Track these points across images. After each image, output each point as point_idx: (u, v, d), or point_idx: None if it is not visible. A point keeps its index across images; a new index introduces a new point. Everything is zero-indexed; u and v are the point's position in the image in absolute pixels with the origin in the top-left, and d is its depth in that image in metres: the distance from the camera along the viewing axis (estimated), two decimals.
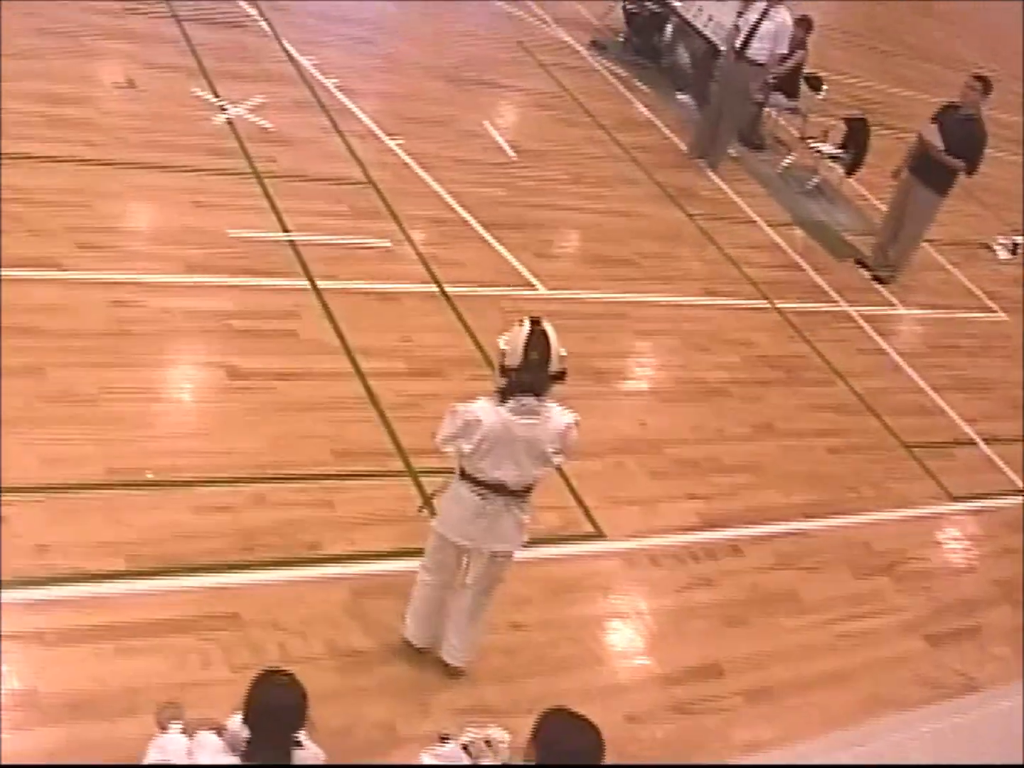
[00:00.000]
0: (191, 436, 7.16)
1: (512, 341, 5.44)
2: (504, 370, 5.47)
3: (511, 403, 5.48)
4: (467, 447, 5.54)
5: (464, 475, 5.71)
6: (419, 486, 7.32)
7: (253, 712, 4.14)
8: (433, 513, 6.16)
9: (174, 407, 7.49)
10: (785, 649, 7.27)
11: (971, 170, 12.36)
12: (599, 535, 7.57)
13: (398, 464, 7.51)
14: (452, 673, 6.22)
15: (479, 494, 5.68)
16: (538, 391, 5.50)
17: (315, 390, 7.88)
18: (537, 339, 5.42)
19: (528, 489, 5.78)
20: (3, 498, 6.19)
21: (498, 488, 5.66)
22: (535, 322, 5.47)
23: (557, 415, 5.62)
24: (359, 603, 6.40)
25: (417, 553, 6.45)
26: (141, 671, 5.59)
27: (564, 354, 5.51)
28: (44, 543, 6.05)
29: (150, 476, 6.69)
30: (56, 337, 7.48)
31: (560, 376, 5.53)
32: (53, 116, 9.94)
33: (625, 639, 6.97)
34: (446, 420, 5.63)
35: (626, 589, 7.31)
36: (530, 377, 5.44)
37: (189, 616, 5.96)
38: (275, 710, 4.14)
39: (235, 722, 4.26)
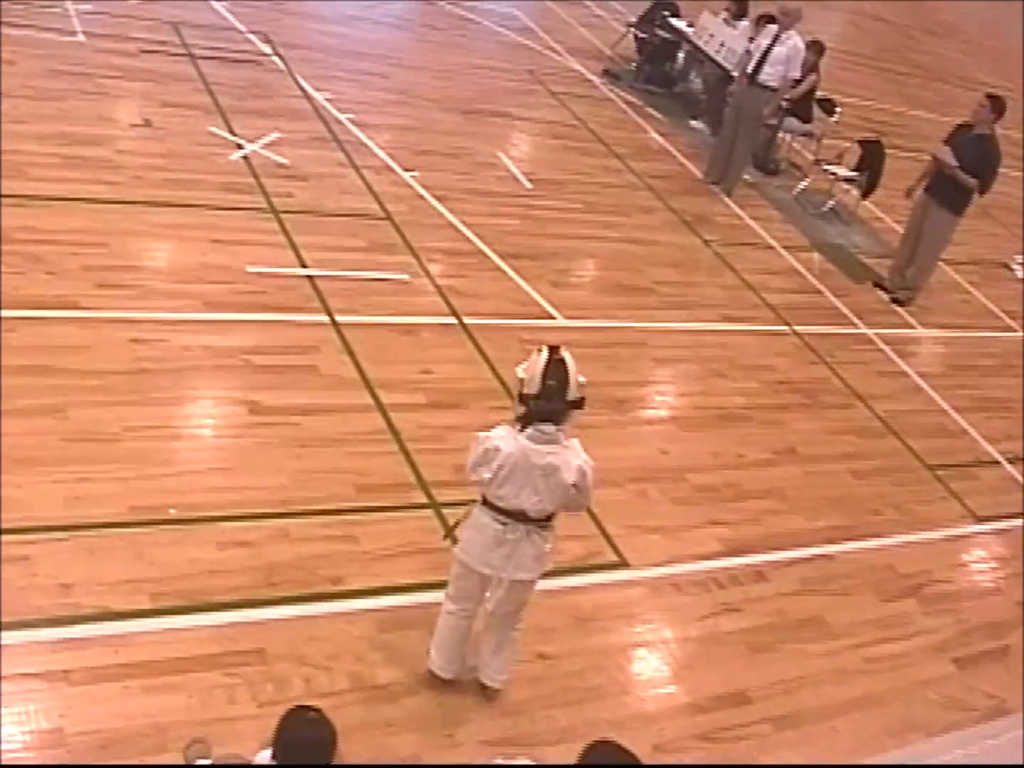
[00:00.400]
0: (213, 472, 7.17)
1: (530, 369, 5.47)
2: (523, 398, 5.50)
3: (530, 431, 5.51)
4: (487, 474, 5.58)
5: (485, 502, 5.73)
6: (441, 518, 7.33)
7: (283, 747, 4.12)
8: (455, 542, 6.15)
9: (195, 444, 7.50)
10: (812, 674, 7.22)
11: (984, 189, 12.34)
12: (623, 564, 7.55)
13: (420, 497, 7.51)
14: (490, 695, 6.25)
15: (500, 522, 5.70)
16: (556, 419, 5.52)
17: (336, 424, 7.89)
18: (555, 367, 5.45)
19: (549, 517, 5.78)
20: (26, 537, 6.21)
21: (518, 516, 5.67)
22: (553, 350, 5.50)
23: (576, 448, 5.64)
24: (383, 636, 6.38)
25: (440, 585, 6.47)
26: (168, 708, 5.58)
27: (583, 382, 5.52)
28: (68, 582, 6.05)
29: (173, 513, 6.70)
30: (77, 376, 7.51)
31: (579, 404, 5.54)
32: (70, 156, 10.02)
33: (651, 668, 6.93)
34: (472, 448, 5.67)
35: (651, 617, 7.27)
36: (548, 405, 5.46)
37: (214, 652, 5.95)
38: (305, 745, 4.12)
39: (263, 757, 4.25)
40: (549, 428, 5.51)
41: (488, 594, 6.00)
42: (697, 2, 18.33)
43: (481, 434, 5.66)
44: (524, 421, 5.54)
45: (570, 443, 5.62)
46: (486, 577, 5.90)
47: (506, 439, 5.55)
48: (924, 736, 7.07)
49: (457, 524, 6.07)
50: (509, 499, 5.62)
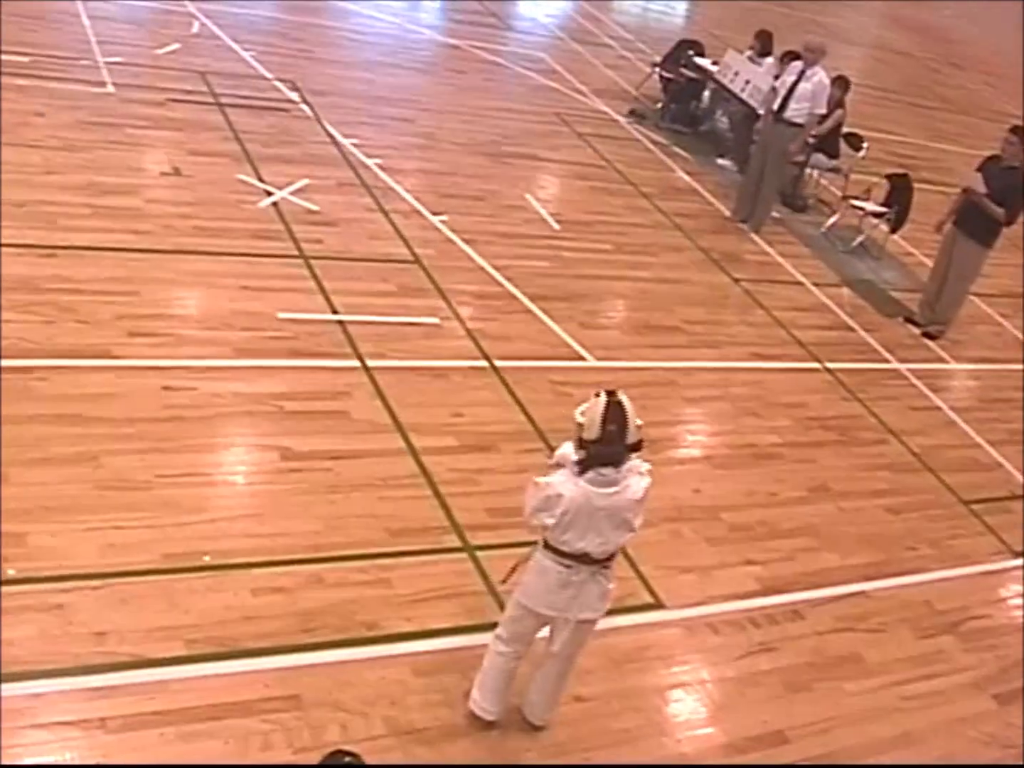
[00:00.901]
0: (246, 519, 7.18)
1: (589, 414, 5.48)
2: (582, 443, 5.51)
3: (591, 475, 5.52)
4: (549, 520, 5.58)
5: (547, 546, 5.74)
6: (475, 561, 7.32)
7: None
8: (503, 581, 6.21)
9: (228, 490, 7.52)
10: (850, 713, 7.16)
11: (1010, 219, 12.30)
12: (658, 604, 7.51)
13: (453, 540, 7.50)
14: (535, 728, 6.28)
15: (564, 564, 5.72)
16: (616, 462, 5.54)
17: (368, 469, 7.90)
18: (614, 411, 5.47)
19: (611, 557, 5.81)
20: (61, 586, 6.23)
21: (582, 558, 5.69)
22: (611, 394, 5.52)
23: (635, 482, 5.65)
24: (419, 681, 6.36)
25: (475, 628, 6.56)
26: (204, 755, 5.57)
27: (640, 424, 5.57)
28: (102, 630, 6.07)
29: (207, 560, 6.71)
30: (108, 424, 7.55)
31: (637, 446, 5.58)
32: (100, 206, 10.12)
33: (687, 709, 6.89)
34: (530, 492, 5.69)
35: (687, 658, 7.23)
36: (608, 449, 5.48)
37: (249, 699, 5.94)
38: None
39: None
40: (609, 472, 5.53)
41: (547, 634, 6.03)
42: (722, 41, 18.40)
43: (541, 480, 5.66)
44: (584, 466, 5.54)
45: (628, 481, 5.61)
46: (544, 619, 5.94)
47: (567, 484, 5.54)
48: None
49: (516, 567, 6.08)
50: (573, 543, 5.63)
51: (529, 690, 6.28)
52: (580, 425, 5.49)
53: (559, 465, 5.71)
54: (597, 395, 5.54)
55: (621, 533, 5.71)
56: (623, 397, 5.53)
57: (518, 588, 5.98)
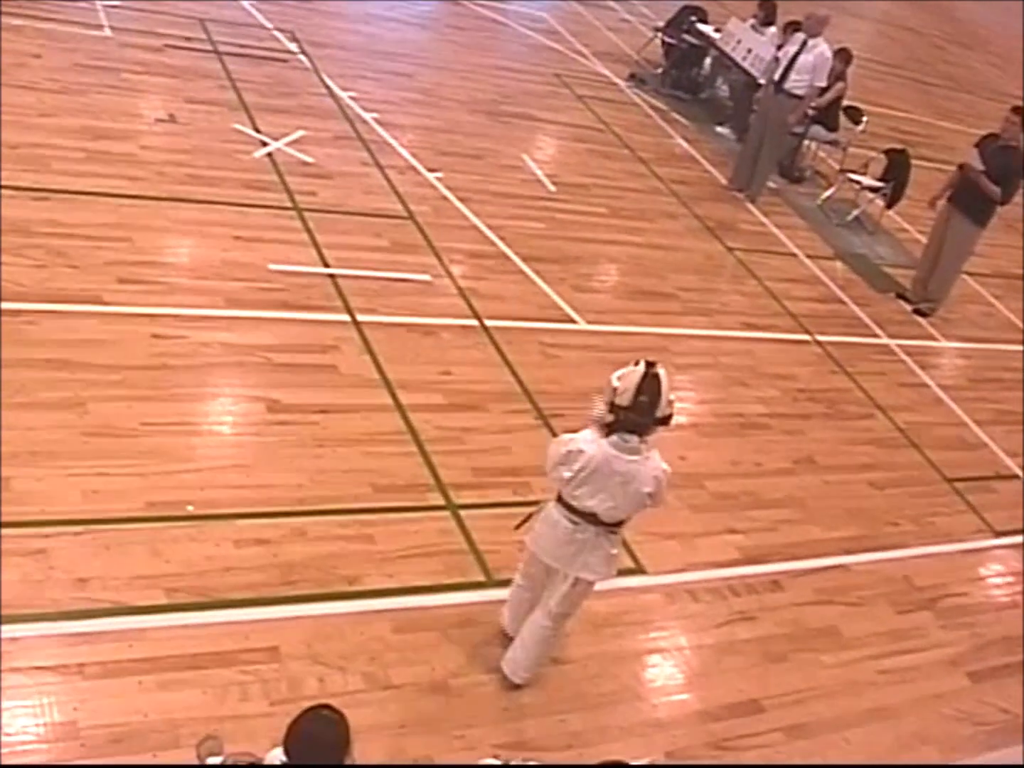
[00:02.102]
0: (231, 470, 7.17)
1: (625, 381, 5.57)
2: (613, 407, 5.59)
3: (614, 438, 5.63)
4: (566, 474, 5.71)
5: (560, 500, 5.89)
6: (458, 520, 7.34)
7: (296, 746, 4.09)
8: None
9: (214, 441, 7.51)
10: (825, 685, 7.20)
11: (1005, 198, 12.29)
12: (639, 570, 7.54)
13: (437, 498, 7.50)
14: (509, 686, 6.34)
15: (571, 520, 5.85)
16: (641, 432, 5.64)
17: (355, 424, 7.89)
18: (650, 383, 5.55)
19: (619, 523, 5.90)
20: (43, 531, 6.23)
21: (589, 517, 5.81)
22: (650, 365, 5.60)
23: (655, 459, 5.76)
24: (398, 637, 6.38)
25: (457, 587, 6.73)
26: (181, 704, 5.59)
27: (672, 399, 5.67)
28: (84, 576, 6.07)
29: (190, 509, 6.71)
30: (96, 371, 7.53)
31: (665, 421, 5.68)
32: (94, 151, 10.05)
33: (665, 674, 6.92)
34: (552, 448, 5.86)
35: (665, 624, 7.26)
36: (637, 419, 5.58)
37: (228, 649, 5.96)
38: (319, 745, 4.10)
39: (274, 756, 4.24)
40: (632, 439, 5.64)
41: (554, 597, 6.12)
42: (725, 8, 18.32)
43: (565, 435, 5.84)
44: (609, 429, 5.64)
45: (650, 454, 5.73)
46: (551, 569, 6.07)
47: (590, 442, 5.66)
48: (937, 750, 7.04)
49: (531, 516, 6.18)
50: (583, 500, 5.76)
51: (513, 646, 6.35)
52: (614, 389, 5.57)
53: (594, 423, 5.77)
54: (636, 363, 5.62)
55: (632, 503, 5.81)
56: (661, 370, 5.61)
57: (529, 535, 6.15)
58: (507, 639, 6.48)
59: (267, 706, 5.72)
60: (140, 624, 5.93)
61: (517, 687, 6.33)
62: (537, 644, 6.27)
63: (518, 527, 6.33)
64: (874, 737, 6.96)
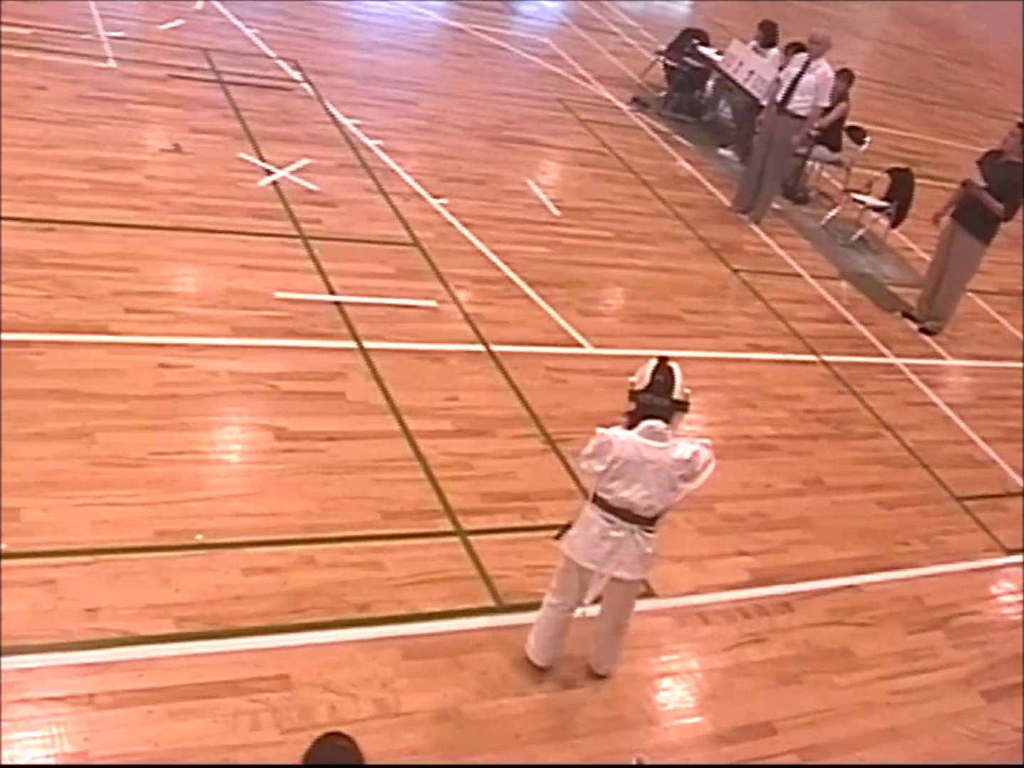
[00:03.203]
0: (239, 498, 7.17)
1: (640, 371, 5.93)
2: (632, 395, 5.91)
3: (641, 427, 5.87)
4: (599, 467, 5.92)
5: (595, 499, 6.08)
6: (468, 546, 7.33)
7: None
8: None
9: (222, 469, 7.51)
10: (838, 706, 7.17)
11: (1008, 214, 12.29)
12: (649, 593, 7.50)
13: (446, 524, 7.49)
14: (599, 678, 6.66)
15: (606, 519, 6.03)
16: (664, 416, 5.85)
17: (363, 451, 7.89)
18: (663, 368, 5.89)
19: (655, 517, 6.08)
20: (53, 561, 6.23)
21: (625, 514, 6.00)
22: (662, 359, 5.94)
23: (684, 443, 5.96)
24: (409, 663, 6.36)
25: (467, 613, 6.66)
26: (192, 733, 5.58)
27: (688, 392, 5.89)
28: (93, 606, 6.06)
29: (199, 538, 6.70)
30: (103, 401, 7.54)
31: (684, 405, 5.90)
32: (100, 182, 10.09)
33: (677, 698, 6.90)
34: (591, 443, 6.01)
35: (677, 647, 7.24)
36: (656, 400, 5.86)
37: (239, 678, 5.94)
38: None
39: None
40: (659, 425, 5.86)
41: (588, 594, 6.31)
42: (726, 31, 18.37)
43: (599, 429, 5.98)
44: (634, 418, 5.91)
45: (677, 441, 5.95)
46: (587, 573, 6.20)
47: (618, 434, 5.89)
48: None
49: (569, 525, 6.32)
50: (618, 492, 5.94)
51: (594, 642, 6.63)
52: (632, 382, 5.89)
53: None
54: (649, 360, 5.94)
55: (666, 492, 5.99)
56: (674, 364, 5.93)
57: (565, 540, 6.30)
58: (535, 668, 6.55)
59: (278, 735, 5.70)
60: (150, 654, 5.91)
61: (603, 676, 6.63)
62: (608, 640, 6.61)
63: (557, 538, 6.46)
64: (888, 758, 6.92)
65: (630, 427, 5.90)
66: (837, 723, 7.03)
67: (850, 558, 8.60)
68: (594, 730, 6.37)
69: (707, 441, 6.14)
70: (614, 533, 6.03)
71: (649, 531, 6.11)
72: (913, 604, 8.36)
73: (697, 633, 7.39)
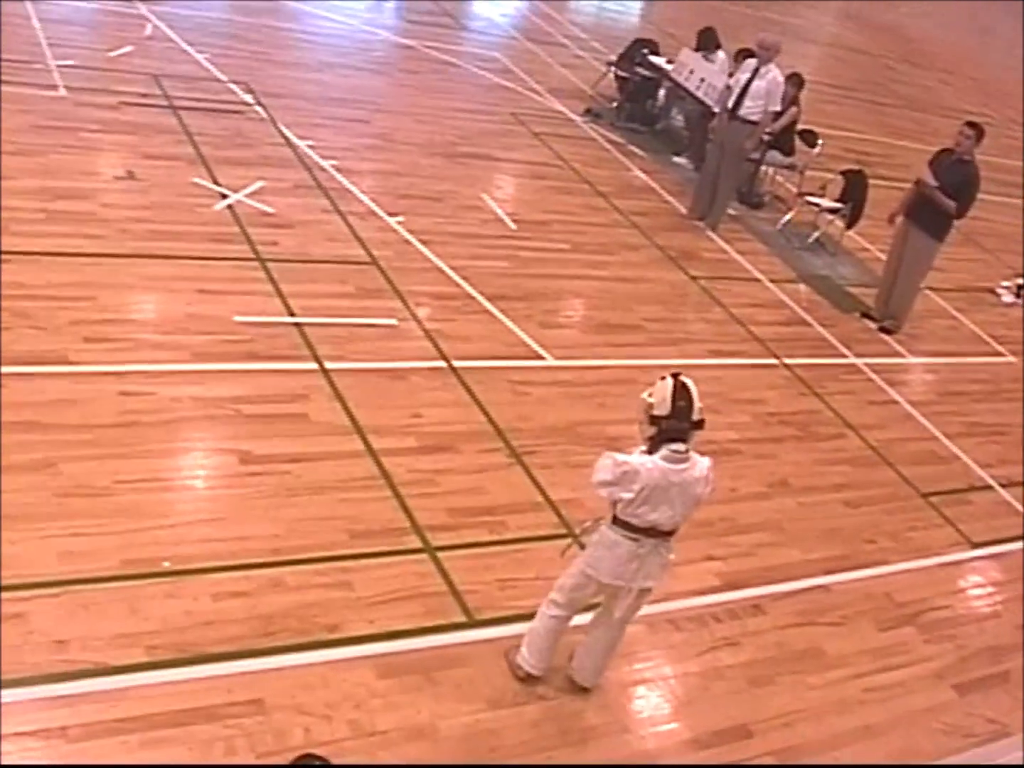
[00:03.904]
0: (206, 523, 7.14)
1: (659, 393, 5.88)
2: (654, 420, 5.89)
3: (664, 451, 5.91)
4: (627, 495, 5.92)
5: (617, 521, 6.09)
6: (436, 562, 7.32)
7: None
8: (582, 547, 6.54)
9: (187, 495, 7.48)
10: (812, 706, 7.20)
11: (960, 212, 12.38)
12: None
13: (414, 541, 7.48)
14: (583, 691, 6.69)
15: (632, 539, 6.08)
16: (684, 438, 5.91)
17: (328, 471, 7.88)
18: (682, 389, 5.88)
19: (676, 529, 6.16)
20: (20, 594, 6.18)
21: (650, 531, 6.06)
22: (676, 376, 5.94)
23: (699, 459, 6.09)
24: (382, 683, 6.35)
25: (438, 629, 6.67)
26: (167, 761, 5.55)
27: (701, 405, 5.93)
28: (63, 638, 6.02)
29: (166, 565, 6.67)
30: (66, 431, 7.50)
31: (700, 424, 5.95)
32: (54, 211, 10.05)
33: (651, 705, 6.91)
34: (603, 465, 6.02)
35: (649, 655, 7.25)
36: (679, 424, 5.87)
37: (212, 704, 5.92)
38: None
39: None
40: (680, 447, 5.92)
41: (617, 610, 6.39)
42: (675, 39, 18.46)
43: (618, 456, 5.98)
44: (654, 442, 5.93)
45: (694, 457, 6.04)
46: (604, 588, 6.33)
47: (643, 461, 5.90)
48: (926, 764, 7.04)
49: (581, 534, 6.60)
50: (645, 516, 6.00)
51: (578, 655, 6.68)
52: (650, 404, 5.88)
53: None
54: (663, 378, 5.94)
55: (690, 507, 6.14)
56: (687, 379, 5.94)
57: (583, 560, 6.33)
58: (528, 679, 6.62)
59: (253, 759, 5.68)
60: (121, 683, 5.88)
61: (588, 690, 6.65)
62: (606, 651, 6.63)
63: (563, 554, 6.64)
64: (864, 755, 6.95)
65: (651, 451, 5.93)
66: (812, 723, 7.06)
67: (818, 558, 8.64)
68: (569, 741, 6.37)
69: (709, 463, 6.19)
70: (641, 550, 6.11)
71: (670, 540, 6.22)
72: (883, 601, 8.40)
73: (670, 640, 7.41)
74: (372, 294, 10.31)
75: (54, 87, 12.53)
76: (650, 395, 5.89)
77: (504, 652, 6.75)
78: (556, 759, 6.21)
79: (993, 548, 9.50)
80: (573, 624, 6.63)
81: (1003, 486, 10.43)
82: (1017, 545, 9.64)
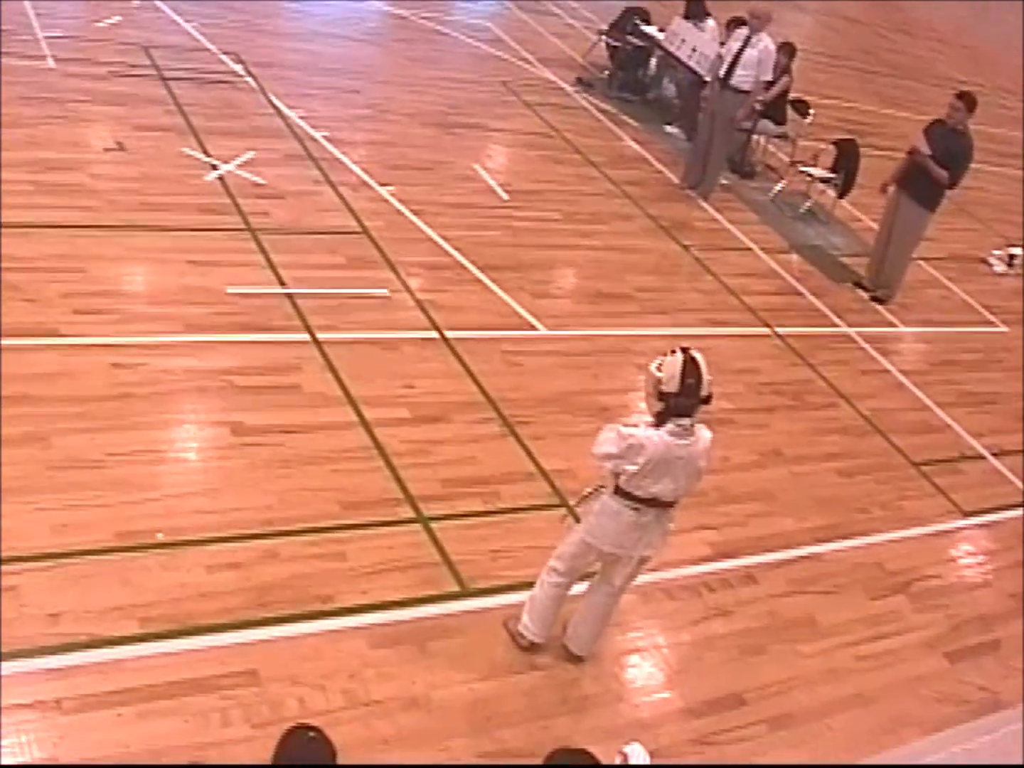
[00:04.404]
0: (199, 495, 7.15)
1: (668, 369, 5.82)
2: (662, 395, 5.85)
3: (670, 426, 5.90)
4: (632, 468, 5.94)
5: (619, 491, 6.10)
6: (430, 532, 7.33)
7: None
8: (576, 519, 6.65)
9: (180, 467, 7.47)
10: (805, 675, 7.23)
11: (953, 182, 12.36)
12: None
13: (407, 512, 7.49)
14: (577, 660, 6.74)
15: (634, 508, 6.11)
16: (691, 413, 5.89)
17: (321, 442, 7.87)
18: (691, 366, 5.83)
19: (678, 500, 6.22)
20: (13, 568, 6.18)
21: (652, 502, 6.09)
22: (685, 350, 5.88)
23: (703, 433, 6.09)
24: (376, 653, 6.37)
25: (431, 600, 6.71)
26: (162, 733, 5.56)
27: (710, 379, 5.89)
28: (56, 611, 6.03)
29: (160, 537, 6.68)
30: (58, 403, 7.49)
31: (708, 399, 5.92)
32: (44, 183, 10.00)
33: (645, 674, 6.93)
34: (607, 438, 6.06)
35: (642, 624, 7.27)
36: (687, 401, 5.85)
37: (207, 675, 5.93)
38: (306, 765, 4.09)
39: None
40: (686, 422, 5.91)
41: (617, 578, 6.47)
42: (667, 8, 18.38)
43: (623, 429, 6.00)
44: (662, 417, 5.91)
45: (699, 430, 6.04)
46: (604, 556, 6.37)
47: (650, 435, 5.91)
48: (919, 732, 7.08)
49: (579, 504, 6.61)
50: (649, 488, 6.02)
51: (572, 624, 6.71)
52: (658, 379, 5.82)
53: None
54: (673, 352, 5.88)
55: (693, 479, 6.17)
56: (697, 354, 5.88)
57: (583, 528, 6.37)
58: (531, 647, 6.68)
59: (249, 730, 5.70)
60: (116, 656, 5.89)
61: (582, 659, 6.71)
62: (601, 619, 6.67)
63: (563, 521, 6.85)
64: (856, 723, 6.99)
65: (658, 425, 5.92)
66: (804, 691, 7.10)
67: (811, 527, 8.66)
68: (564, 711, 6.40)
69: (710, 434, 6.19)
70: (643, 519, 6.14)
71: (671, 509, 6.26)
72: (875, 570, 8.43)
73: (662, 609, 7.43)
74: (364, 264, 10.29)
75: (42, 58, 12.45)
76: (659, 369, 5.84)
77: (503, 622, 6.78)
78: (550, 728, 6.23)
79: (984, 517, 9.53)
80: (572, 593, 6.66)
81: (994, 455, 10.46)
82: (1008, 514, 9.66)
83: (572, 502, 6.76)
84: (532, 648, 6.65)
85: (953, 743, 7.04)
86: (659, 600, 7.48)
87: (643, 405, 6.13)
